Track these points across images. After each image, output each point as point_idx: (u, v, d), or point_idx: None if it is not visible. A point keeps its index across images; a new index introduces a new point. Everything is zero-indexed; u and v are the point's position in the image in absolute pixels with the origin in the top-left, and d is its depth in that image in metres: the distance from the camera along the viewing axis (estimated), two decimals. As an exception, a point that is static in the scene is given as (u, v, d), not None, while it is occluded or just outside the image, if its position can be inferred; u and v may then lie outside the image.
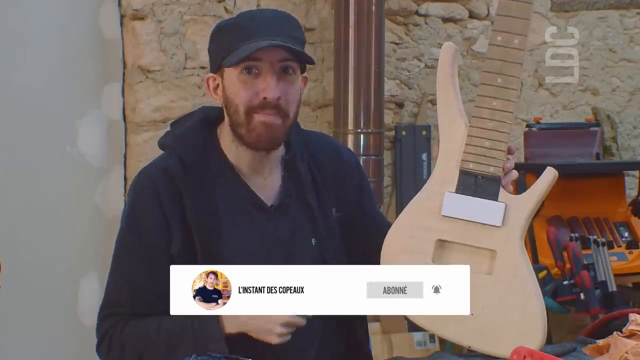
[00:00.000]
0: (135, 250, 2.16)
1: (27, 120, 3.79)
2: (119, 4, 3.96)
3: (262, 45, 2.08)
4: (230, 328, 2.08)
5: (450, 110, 2.10)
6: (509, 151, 2.08)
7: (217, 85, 2.18)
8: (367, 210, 2.32)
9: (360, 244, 2.27)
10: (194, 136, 2.20)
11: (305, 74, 2.21)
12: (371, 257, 2.20)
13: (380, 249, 2.15)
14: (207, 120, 2.23)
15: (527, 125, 4.33)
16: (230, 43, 2.12)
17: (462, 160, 2.07)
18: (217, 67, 2.17)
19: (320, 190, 2.23)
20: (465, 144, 2.07)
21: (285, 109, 2.13)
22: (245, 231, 2.15)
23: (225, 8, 4.02)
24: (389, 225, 2.24)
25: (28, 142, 3.79)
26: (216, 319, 2.07)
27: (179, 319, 2.08)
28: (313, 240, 2.20)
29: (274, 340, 2.05)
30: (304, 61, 2.16)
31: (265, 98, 2.10)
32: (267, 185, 2.21)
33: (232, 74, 2.13)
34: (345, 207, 2.26)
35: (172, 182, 2.14)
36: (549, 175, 2.07)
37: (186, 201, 2.13)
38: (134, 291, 2.15)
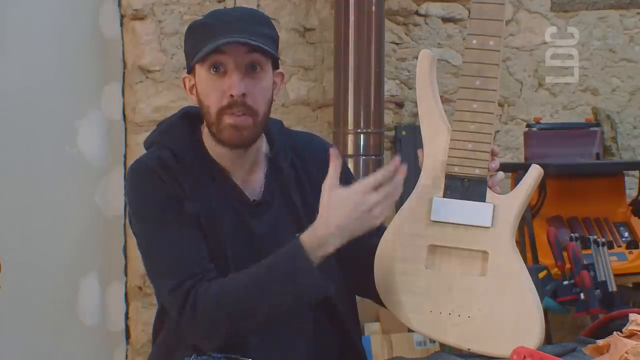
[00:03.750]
0: (165, 216, 2.12)
1: (27, 120, 3.79)
2: (119, 4, 3.96)
3: (220, 42, 2.08)
4: (315, 247, 2.05)
5: (431, 116, 2.12)
6: (493, 153, 2.09)
7: (193, 85, 2.20)
8: None
9: (346, 244, 2.26)
10: (177, 129, 2.22)
11: (280, 70, 2.22)
12: (358, 257, 2.20)
13: (368, 249, 2.16)
14: (189, 116, 2.25)
15: (527, 125, 4.32)
16: (198, 42, 2.13)
17: (447, 164, 2.08)
18: (190, 67, 2.18)
19: (304, 188, 2.24)
20: (449, 148, 2.08)
21: (252, 106, 2.13)
22: (232, 224, 2.16)
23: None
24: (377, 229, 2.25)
25: (28, 142, 3.79)
26: (297, 243, 2.04)
27: (262, 263, 2.06)
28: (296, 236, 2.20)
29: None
30: (271, 58, 2.16)
31: (231, 96, 2.11)
32: (251, 180, 2.21)
33: (202, 74, 2.15)
34: None
35: (168, 170, 2.15)
36: (534, 172, 2.07)
37: (184, 189, 2.12)
38: (184, 252, 2.10)
